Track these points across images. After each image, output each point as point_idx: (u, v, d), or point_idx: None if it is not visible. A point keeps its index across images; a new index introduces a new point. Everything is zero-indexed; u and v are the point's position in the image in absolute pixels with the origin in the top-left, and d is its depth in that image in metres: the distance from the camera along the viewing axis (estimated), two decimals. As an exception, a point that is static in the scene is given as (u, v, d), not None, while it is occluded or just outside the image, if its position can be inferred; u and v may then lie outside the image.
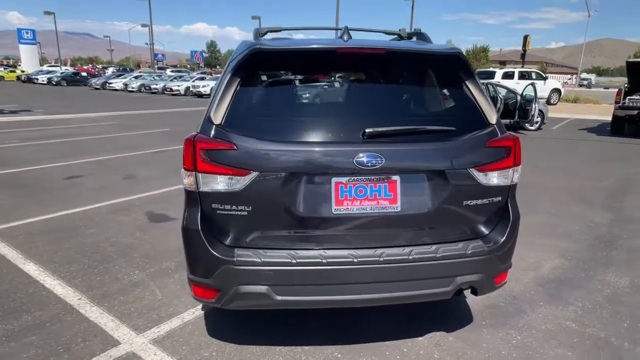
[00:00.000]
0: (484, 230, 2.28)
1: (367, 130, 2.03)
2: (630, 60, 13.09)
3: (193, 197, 2.12)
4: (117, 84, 34.14)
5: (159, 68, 48.21)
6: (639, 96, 11.95)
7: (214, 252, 2.08)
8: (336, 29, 2.82)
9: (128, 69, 53.67)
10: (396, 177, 2.09)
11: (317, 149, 2.03)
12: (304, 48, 2.16)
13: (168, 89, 30.03)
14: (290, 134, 2.07)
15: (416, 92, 2.32)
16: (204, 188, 2.07)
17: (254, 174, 2.01)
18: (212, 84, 27.57)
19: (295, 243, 2.13)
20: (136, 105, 21.07)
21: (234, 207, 2.06)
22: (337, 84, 2.44)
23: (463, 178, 2.14)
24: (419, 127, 2.12)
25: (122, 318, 2.81)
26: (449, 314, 2.92)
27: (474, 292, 2.29)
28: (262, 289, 2.09)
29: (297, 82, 2.36)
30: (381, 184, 2.08)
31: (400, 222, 2.13)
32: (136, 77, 35.49)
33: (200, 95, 27.71)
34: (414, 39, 2.81)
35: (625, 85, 12.43)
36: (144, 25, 50.61)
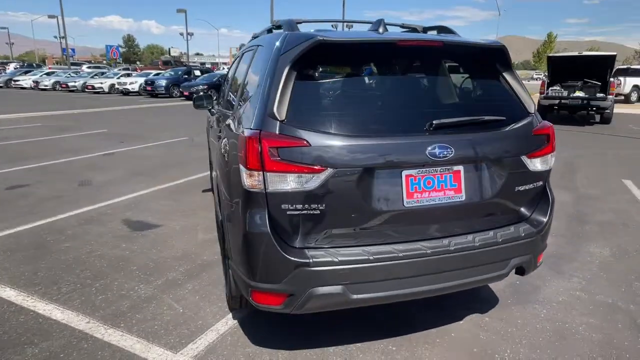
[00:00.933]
0: (528, 213, 2.39)
1: (434, 122, 2.03)
2: (552, 55, 14.57)
3: (258, 199, 1.98)
4: (26, 81, 30.87)
5: (72, 64, 44.23)
6: (559, 87, 13.30)
7: (286, 255, 1.97)
8: (366, 22, 2.77)
9: (34, 64, 48.64)
10: (460, 167, 2.12)
11: (389, 142, 2.00)
12: (367, 40, 2.10)
13: (90, 87, 27.72)
14: (361, 128, 2.01)
15: (468, 83, 2.36)
16: (272, 188, 1.95)
17: (329, 171, 1.93)
18: (141, 80, 25.94)
19: (368, 239, 2.08)
20: (58, 104, 19.20)
21: (306, 207, 1.96)
22: (398, 76, 2.41)
23: (516, 165, 2.22)
24: (479, 118, 2.16)
25: (150, 337, 2.57)
26: (476, 297, 3.03)
27: (521, 272, 2.40)
28: (338, 289, 2.02)
29: (358, 75, 2.29)
30: (447, 174, 2.10)
31: (465, 210, 2.17)
32: (48, 74, 32.30)
33: (127, 92, 25.95)
34: (435, 32, 2.84)
35: (545, 76, 13.81)
36: (51, 17, 46.01)
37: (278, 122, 1.96)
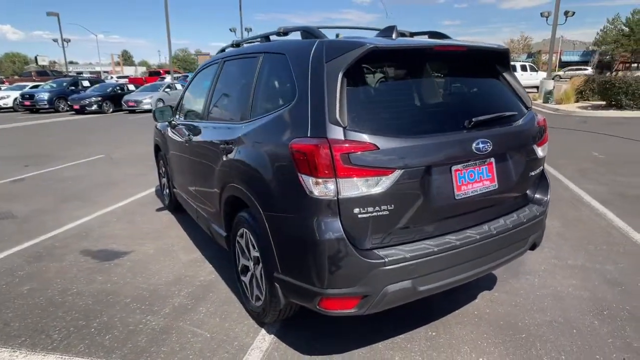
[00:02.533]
0: (535, 195, 2.73)
1: (474, 119, 2.24)
2: None
3: (329, 205, 1.99)
4: None
5: None
6: None
7: (363, 258, 2.02)
8: (374, 29, 2.88)
9: None
10: (492, 159, 2.35)
11: (442, 140, 2.15)
12: (411, 46, 2.23)
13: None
14: (416, 129, 2.13)
15: (484, 82, 2.60)
16: (345, 194, 1.97)
17: (397, 173, 2.02)
18: (14, 94, 22.82)
19: (427, 232, 2.21)
20: None
21: (376, 209, 2.03)
22: (436, 78, 2.55)
23: (530, 153, 2.54)
24: (504, 113, 2.42)
25: (190, 368, 2.40)
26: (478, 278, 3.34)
27: (533, 247, 2.73)
28: (408, 283, 2.12)
29: (402, 79, 2.39)
30: (484, 166, 2.32)
31: (498, 198, 2.42)
32: None
33: (-2, 108, 22.63)
34: (426, 37, 3.07)
35: None
36: None
37: (342, 128, 2.00)
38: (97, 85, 23.07)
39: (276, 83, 2.66)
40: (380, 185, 2.01)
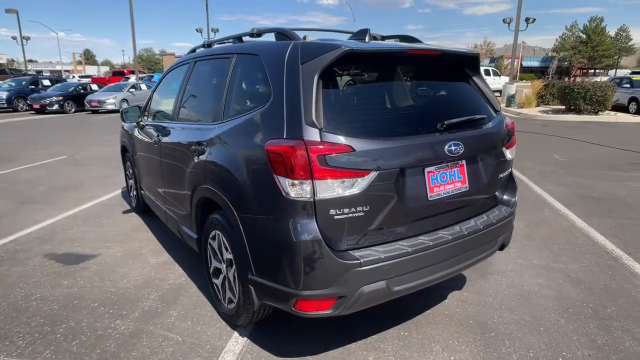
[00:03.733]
0: (503, 196, 2.82)
1: (446, 122, 2.30)
2: None
3: (305, 207, 2.00)
4: None
5: None
6: None
7: (338, 259, 2.03)
8: (346, 32, 2.91)
9: None
10: (463, 161, 2.42)
11: (415, 142, 2.20)
12: (386, 49, 2.27)
13: None
14: (391, 131, 2.17)
15: (456, 86, 2.66)
16: (321, 195, 1.98)
17: (372, 174, 2.05)
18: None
19: (402, 233, 2.25)
20: None
21: (352, 210, 2.05)
22: (409, 82, 2.58)
23: (499, 156, 2.63)
24: (474, 116, 2.50)
25: (162, 373, 2.34)
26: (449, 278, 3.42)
27: (502, 248, 2.82)
28: (383, 284, 2.15)
29: (377, 81, 2.42)
30: (455, 168, 2.39)
31: (469, 199, 2.49)
32: None
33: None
34: (397, 40, 3.12)
35: None
36: None
37: (318, 130, 2.01)
38: (58, 85, 22.21)
39: (250, 84, 2.64)
40: (355, 186, 2.03)
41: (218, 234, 2.68)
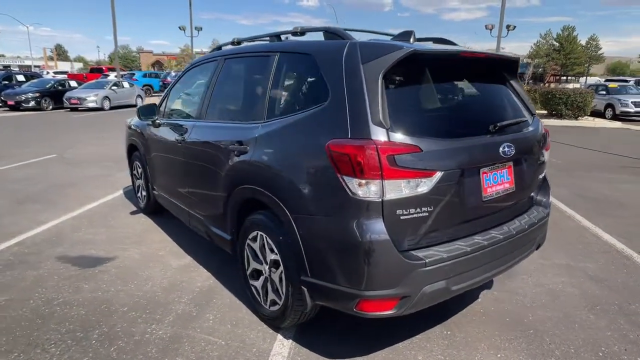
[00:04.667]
0: (539, 197, 2.89)
1: (499, 124, 2.33)
2: None
3: (373, 207, 1.99)
4: None
5: None
6: None
7: (405, 259, 2.03)
8: (387, 34, 2.91)
9: None
10: (511, 163, 2.46)
11: (474, 143, 2.23)
12: (443, 51, 2.29)
13: None
14: (453, 132, 2.19)
15: (500, 89, 2.70)
16: (389, 195, 1.98)
17: (438, 174, 2.06)
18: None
19: (458, 233, 2.27)
20: None
21: (417, 210, 2.05)
22: (459, 84, 2.60)
23: (539, 157, 2.69)
24: (521, 119, 2.55)
25: (213, 378, 2.29)
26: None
27: (537, 248, 2.88)
28: (443, 283, 2.16)
29: (435, 82, 2.43)
30: (504, 169, 2.43)
31: (515, 199, 2.54)
32: None
33: None
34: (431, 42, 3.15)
35: None
36: None
37: (385, 130, 2.01)
38: (34, 81, 21.44)
39: (299, 83, 2.62)
40: (422, 186, 2.04)
41: (261, 235, 2.64)
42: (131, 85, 21.66)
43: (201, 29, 31.27)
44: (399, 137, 2.01)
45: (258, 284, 2.79)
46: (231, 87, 3.24)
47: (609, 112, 17.29)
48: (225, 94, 3.28)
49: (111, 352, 2.49)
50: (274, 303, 2.66)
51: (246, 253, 2.85)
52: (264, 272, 2.72)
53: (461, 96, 2.53)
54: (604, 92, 18.26)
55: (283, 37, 3.00)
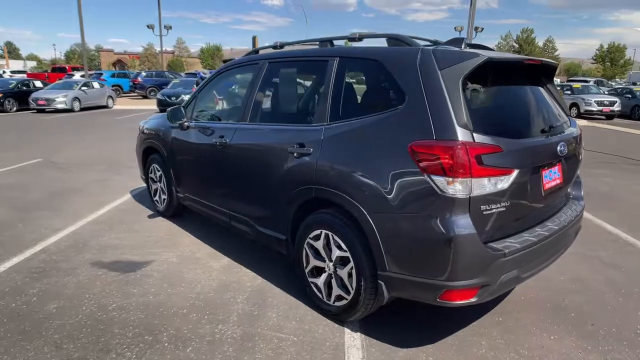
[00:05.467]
0: (573, 192, 3.14)
1: (552, 125, 2.56)
2: None
3: (461, 203, 2.15)
4: None
5: None
6: None
7: (488, 250, 2.20)
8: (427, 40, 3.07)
9: None
10: (561, 160, 2.69)
11: (540, 142, 2.44)
12: (511, 59, 2.48)
13: None
14: (523, 133, 2.40)
15: (544, 92, 2.91)
16: (476, 192, 2.15)
17: (515, 172, 2.24)
18: None
19: (525, 225, 2.48)
20: None
21: (496, 205, 2.23)
22: (524, 87, 2.77)
23: (578, 155, 2.93)
24: (568, 120, 2.78)
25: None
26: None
27: (575, 236, 3.13)
28: (515, 272, 2.35)
29: (504, 87, 2.60)
30: (556, 167, 2.65)
31: (562, 194, 2.77)
32: None
33: None
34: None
35: None
36: None
37: (470, 131, 2.17)
38: (-5, 81, 20.38)
39: (367, 87, 2.74)
40: (502, 183, 2.22)
41: (326, 233, 2.74)
42: (102, 85, 20.95)
43: (171, 27, 30.65)
44: (482, 138, 2.18)
45: (319, 281, 2.89)
46: (281, 90, 3.32)
47: (573, 111, 18.31)
48: (274, 97, 3.35)
49: (188, 354, 2.52)
50: (340, 298, 2.77)
51: (305, 252, 2.94)
52: (326, 269, 2.82)
53: (521, 99, 2.73)
54: (569, 92, 19.33)
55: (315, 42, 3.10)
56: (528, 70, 2.79)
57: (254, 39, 33.47)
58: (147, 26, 29.41)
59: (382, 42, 2.91)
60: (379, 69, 2.58)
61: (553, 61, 2.92)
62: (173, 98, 18.03)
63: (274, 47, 3.51)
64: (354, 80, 2.79)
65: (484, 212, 2.21)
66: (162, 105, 18.17)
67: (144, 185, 6.15)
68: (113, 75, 27.95)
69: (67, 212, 5.06)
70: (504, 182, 2.22)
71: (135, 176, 6.73)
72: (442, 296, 2.27)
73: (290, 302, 3.10)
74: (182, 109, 4.11)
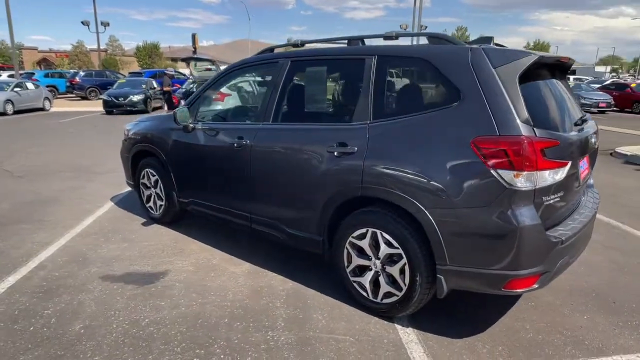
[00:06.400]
0: (590, 182, 3.37)
1: (581, 118, 2.75)
2: None
3: (528, 195, 2.25)
4: None
5: None
6: None
7: (550, 239, 2.32)
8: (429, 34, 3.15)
9: None
10: (589, 150, 2.89)
11: (581, 136, 2.60)
12: (553, 57, 2.61)
13: None
14: (568, 127, 2.53)
15: (566, 87, 3.09)
16: (540, 184, 2.26)
17: (569, 164, 2.38)
18: None
19: (566, 214, 2.64)
20: None
21: (553, 196, 2.37)
22: (552, 83, 2.88)
23: (596, 147, 3.16)
24: (584, 113, 2.99)
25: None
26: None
27: None
28: (567, 258, 2.52)
29: (546, 83, 2.71)
30: (585, 158, 2.84)
31: (586, 183, 2.97)
32: None
33: None
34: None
35: None
36: None
37: (531, 127, 2.27)
38: None
39: (414, 85, 2.77)
40: (559, 175, 2.35)
41: (373, 232, 2.75)
42: (37, 86, 19.35)
43: (108, 24, 28.96)
44: (541, 132, 2.29)
45: (364, 279, 2.89)
46: (310, 89, 3.26)
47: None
48: (302, 96, 3.28)
49: (249, 363, 2.43)
50: (389, 295, 2.78)
51: (347, 251, 2.93)
52: (372, 267, 2.83)
53: (555, 94, 2.88)
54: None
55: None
56: (557, 67, 2.96)
57: (193, 36, 32.45)
58: (82, 22, 27.55)
59: (379, 41, 2.99)
60: (427, 67, 2.62)
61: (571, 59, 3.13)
62: (121, 99, 17.10)
63: (295, 45, 3.45)
64: (396, 78, 2.81)
65: (544, 203, 2.33)
66: (109, 107, 17.19)
67: (124, 191, 5.83)
68: (47, 75, 25.84)
69: (49, 224, 4.65)
70: (560, 174, 2.36)
71: (110, 182, 6.36)
72: (506, 285, 2.36)
73: (331, 303, 3.07)
74: (187, 109, 3.92)
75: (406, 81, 2.82)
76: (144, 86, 18.07)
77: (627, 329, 2.79)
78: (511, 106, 2.28)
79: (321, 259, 3.17)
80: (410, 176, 2.52)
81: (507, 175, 2.24)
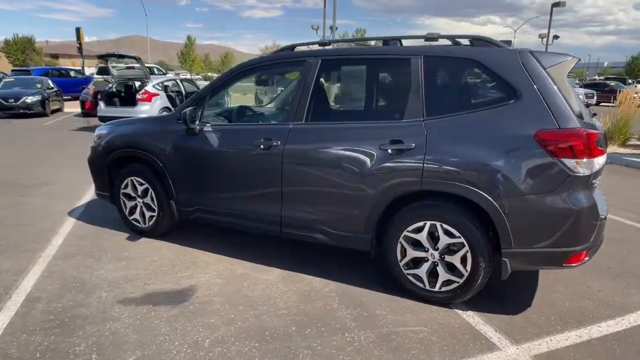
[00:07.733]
0: None
1: (595, 113, 3.16)
2: None
3: (587, 180, 2.56)
4: None
5: None
6: None
7: (601, 217, 2.66)
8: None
9: None
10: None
11: (600, 126, 2.99)
12: (575, 58, 2.94)
13: None
14: (589, 119, 2.88)
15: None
16: (594, 169, 2.58)
17: (606, 152, 2.74)
18: None
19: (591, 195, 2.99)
20: None
21: (597, 179, 2.71)
22: (569, 82, 3.19)
23: None
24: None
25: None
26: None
27: None
28: (604, 235, 2.88)
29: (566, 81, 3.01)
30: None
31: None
32: None
33: None
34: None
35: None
36: None
37: (582, 120, 2.59)
38: None
39: (464, 84, 2.92)
40: (602, 160, 2.69)
41: (432, 224, 2.86)
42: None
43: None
44: (588, 125, 2.61)
45: (420, 271, 2.99)
46: (349, 88, 3.25)
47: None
48: (338, 94, 3.26)
49: (347, 367, 2.39)
50: (448, 283, 2.92)
51: (400, 245, 3.01)
52: (429, 258, 2.95)
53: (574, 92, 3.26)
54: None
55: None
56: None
57: (77, 30, 29.68)
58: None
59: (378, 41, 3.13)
60: (479, 67, 2.81)
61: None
62: (11, 100, 14.88)
63: (323, 44, 3.40)
64: (446, 78, 2.94)
65: (593, 186, 2.66)
66: (-2, 110, 14.83)
67: (80, 204, 5.25)
68: None
69: (8, 250, 3.95)
70: (602, 160, 2.71)
71: (54, 196, 5.62)
72: (567, 260, 2.66)
73: (385, 298, 3.12)
74: (193, 110, 3.62)
75: (456, 80, 2.97)
76: (39, 85, 15.89)
77: (633, 288, 3.30)
78: (565, 103, 2.56)
79: (353, 256, 3.19)
80: (475, 169, 2.68)
81: (570, 163, 2.52)
